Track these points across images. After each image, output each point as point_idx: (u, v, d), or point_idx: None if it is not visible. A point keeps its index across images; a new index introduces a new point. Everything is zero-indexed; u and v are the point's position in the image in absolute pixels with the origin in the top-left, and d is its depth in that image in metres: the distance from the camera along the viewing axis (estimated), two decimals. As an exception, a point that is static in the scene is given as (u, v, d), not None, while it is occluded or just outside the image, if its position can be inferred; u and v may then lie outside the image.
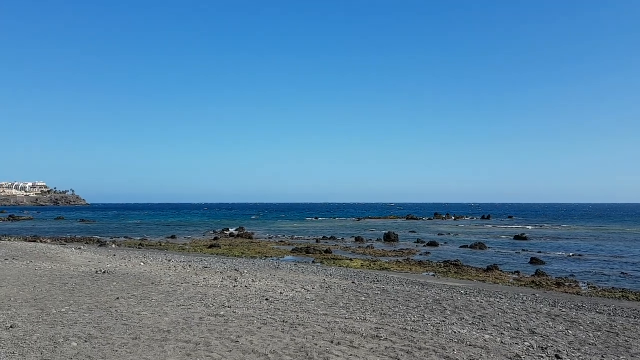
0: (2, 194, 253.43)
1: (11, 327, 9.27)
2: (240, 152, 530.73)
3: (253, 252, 38.10)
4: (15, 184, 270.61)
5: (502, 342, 10.07)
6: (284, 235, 58.61)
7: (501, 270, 28.35)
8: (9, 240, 42.37)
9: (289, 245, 45.18)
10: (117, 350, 7.99)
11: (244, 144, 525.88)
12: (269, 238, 54.73)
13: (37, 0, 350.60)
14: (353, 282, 20.08)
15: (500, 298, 18.07)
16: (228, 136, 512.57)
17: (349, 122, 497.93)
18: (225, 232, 62.88)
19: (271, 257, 35.34)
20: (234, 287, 16.26)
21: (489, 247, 43.15)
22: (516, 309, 15.02)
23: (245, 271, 22.24)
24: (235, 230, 63.61)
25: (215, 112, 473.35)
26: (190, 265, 23.93)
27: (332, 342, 9.11)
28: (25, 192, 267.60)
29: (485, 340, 10.02)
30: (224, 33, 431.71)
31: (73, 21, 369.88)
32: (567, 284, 24.09)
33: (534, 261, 33.36)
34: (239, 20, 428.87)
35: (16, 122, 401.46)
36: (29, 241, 42.33)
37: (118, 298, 12.89)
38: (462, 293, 18.75)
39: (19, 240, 42.37)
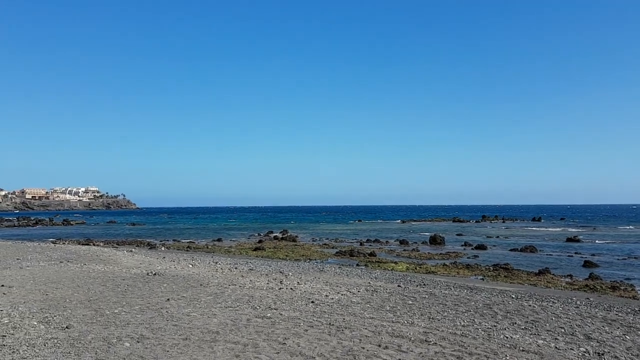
0: (57, 199, 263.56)
1: (67, 327, 9.60)
2: (285, 155, 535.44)
3: (297, 254, 38.26)
4: (69, 189, 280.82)
5: (556, 347, 9.73)
6: (328, 238, 58.55)
7: (553, 274, 27.42)
8: (64, 243, 44.09)
9: (332, 248, 45.12)
10: (168, 351, 8.15)
11: (291, 147, 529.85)
12: (313, 241, 54.89)
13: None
14: (399, 286, 19.86)
15: (553, 302, 17.47)
16: (278, 138, 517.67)
17: (388, 122, 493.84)
18: (269, 234, 63.46)
19: (315, 259, 35.35)
20: (280, 289, 16.35)
21: (540, 250, 41.85)
22: (570, 313, 14.49)
23: (290, 273, 22.35)
24: (279, 233, 64.11)
25: (268, 114, 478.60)
26: (236, 268, 24.25)
27: (379, 345, 9.02)
28: (79, 196, 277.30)
29: (538, 346, 9.70)
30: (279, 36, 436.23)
31: (120, 25, 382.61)
32: (622, 287, 23.07)
33: (587, 264, 32.12)
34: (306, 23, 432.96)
35: (69, 129, 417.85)
36: (83, 244, 43.95)
37: (168, 299, 13.17)
38: (513, 297, 18.23)
39: (73, 244, 44.01)
